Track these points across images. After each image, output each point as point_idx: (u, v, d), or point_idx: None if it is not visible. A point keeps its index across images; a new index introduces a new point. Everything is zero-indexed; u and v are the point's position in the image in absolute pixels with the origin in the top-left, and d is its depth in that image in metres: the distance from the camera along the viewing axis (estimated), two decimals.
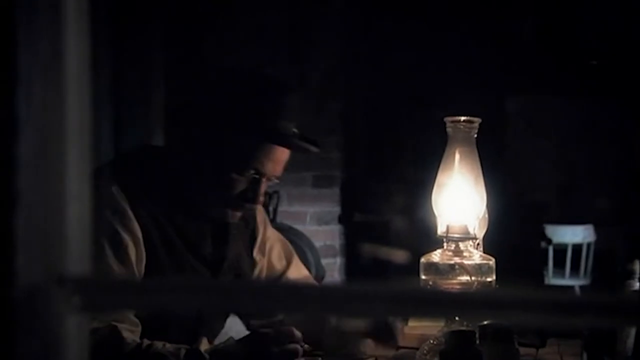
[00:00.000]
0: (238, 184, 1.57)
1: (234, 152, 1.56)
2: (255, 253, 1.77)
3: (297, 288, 0.51)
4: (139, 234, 1.53)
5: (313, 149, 1.62)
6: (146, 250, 1.54)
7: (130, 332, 1.47)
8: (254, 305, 0.61)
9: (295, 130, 1.60)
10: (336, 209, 4.54)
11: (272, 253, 1.81)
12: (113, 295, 0.56)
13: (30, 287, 0.51)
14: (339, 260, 4.55)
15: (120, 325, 1.45)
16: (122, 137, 3.70)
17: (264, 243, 1.79)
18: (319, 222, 4.52)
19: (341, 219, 4.56)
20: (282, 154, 1.60)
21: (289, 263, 1.83)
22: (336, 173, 4.55)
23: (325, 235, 4.50)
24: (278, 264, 1.82)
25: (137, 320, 1.50)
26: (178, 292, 0.57)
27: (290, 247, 1.87)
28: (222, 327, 1.75)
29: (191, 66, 3.99)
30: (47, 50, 0.50)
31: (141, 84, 3.81)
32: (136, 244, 1.53)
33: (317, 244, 4.39)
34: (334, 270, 4.49)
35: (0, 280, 0.52)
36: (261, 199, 1.62)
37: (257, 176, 1.58)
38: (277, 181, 1.65)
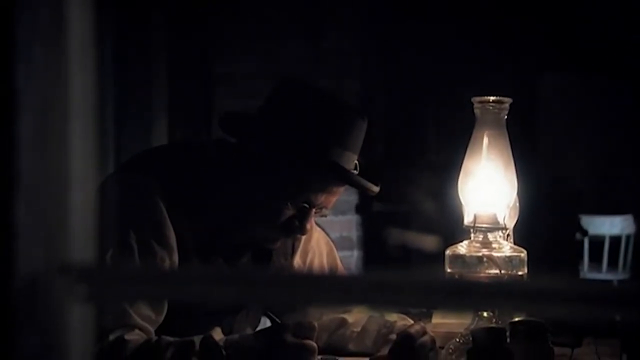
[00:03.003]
0: (287, 212, 1.57)
1: (290, 180, 1.55)
2: (295, 261, 1.78)
3: (319, 278, 0.51)
4: (174, 243, 1.54)
5: (374, 189, 1.61)
6: (179, 259, 1.55)
7: (139, 336, 1.48)
8: (267, 296, 0.62)
9: (357, 161, 1.60)
10: (353, 198, 4.54)
11: (313, 263, 1.81)
12: (118, 284, 0.57)
13: (31, 275, 0.52)
14: (356, 253, 4.55)
15: (127, 336, 1.46)
16: (125, 123, 3.73)
17: (305, 252, 1.79)
18: (335, 212, 4.52)
19: (358, 209, 4.56)
20: (340, 189, 1.59)
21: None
22: None
23: (342, 226, 4.50)
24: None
25: (147, 326, 1.50)
26: (183, 282, 0.58)
27: (336, 256, 1.87)
28: (257, 324, 1.76)
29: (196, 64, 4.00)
30: (49, 17, 0.50)
31: (144, 74, 3.83)
32: (169, 254, 1.54)
33: (333, 235, 4.38)
34: (350, 263, 4.49)
35: (0, 268, 0.52)
36: (308, 229, 1.60)
37: (307, 206, 1.57)
38: (326, 213, 1.64)
